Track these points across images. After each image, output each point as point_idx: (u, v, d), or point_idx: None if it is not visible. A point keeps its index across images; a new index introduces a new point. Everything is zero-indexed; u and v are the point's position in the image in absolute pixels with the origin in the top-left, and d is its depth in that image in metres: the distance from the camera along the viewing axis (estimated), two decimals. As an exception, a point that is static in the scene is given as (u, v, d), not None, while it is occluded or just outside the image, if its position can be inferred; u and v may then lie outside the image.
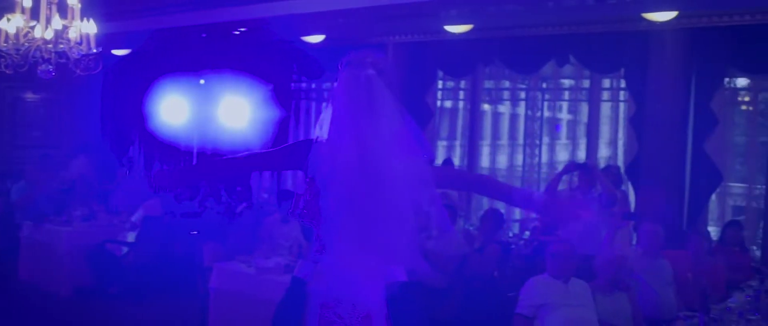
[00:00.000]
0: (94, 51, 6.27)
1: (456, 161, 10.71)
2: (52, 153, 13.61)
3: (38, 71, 6.11)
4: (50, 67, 6.14)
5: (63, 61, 6.21)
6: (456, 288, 7.17)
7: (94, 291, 8.81)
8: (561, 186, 7.74)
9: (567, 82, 10.60)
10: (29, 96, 14.96)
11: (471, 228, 8.68)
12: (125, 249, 8.86)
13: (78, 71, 6.28)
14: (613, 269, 5.71)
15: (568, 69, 9.94)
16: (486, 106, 11.07)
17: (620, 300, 5.69)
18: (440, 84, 11.04)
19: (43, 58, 6.07)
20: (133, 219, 8.93)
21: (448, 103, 11.25)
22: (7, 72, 6.03)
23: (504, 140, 11.27)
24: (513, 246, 8.22)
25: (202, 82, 12.77)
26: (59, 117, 15.23)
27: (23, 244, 9.47)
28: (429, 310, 6.76)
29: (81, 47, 6.25)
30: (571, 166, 7.73)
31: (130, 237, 8.91)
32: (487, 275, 7.49)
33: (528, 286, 5.40)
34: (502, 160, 11.04)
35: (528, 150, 10.52)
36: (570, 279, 5.41)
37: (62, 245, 8.85)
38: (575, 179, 7.67)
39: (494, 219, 7.70)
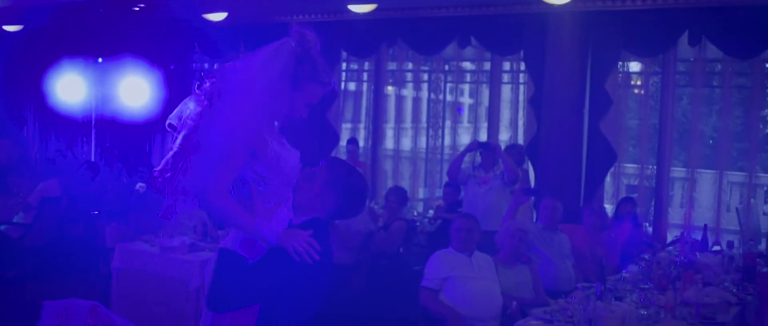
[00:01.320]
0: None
1: (361, 143, 10.79)
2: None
3: None
4: None
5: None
6: (363, 264, 7.27)
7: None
8: (464, 165, 7.92)
9: (468, 65, 10.82)
10: None
11: (376, 206, 8.78)
12: (20, 232, 8.56)
13: None
14: (515, 243, 5.88)
15: (469, 51, 10.13)
16: (390, 89, 11.18)
17: (522, 273, 5.87)
18: (344, 65, 11.09)
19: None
20: (30, 200, 8.64)
21: (352, 85, 11.31)
22: None
23: (407, 123, 11.43)
24: (418, 224, 8.36)
25: (100, 60, 12.41)
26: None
27: None
28: (336, 286, 6.89)
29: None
30: (474, 145, 7.90)
31: (26, 218, 8.61)
32: (393, 251, 7.62)
33: (433, 260, 5.51)
34: (406, 143, 11.20)
35: (431, 132, 10.69)
36: (473, 252, 5.54)
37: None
38: (478, 158, 7.85)
39: (398, 197, 7.81)
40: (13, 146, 11.44)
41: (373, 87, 10.86)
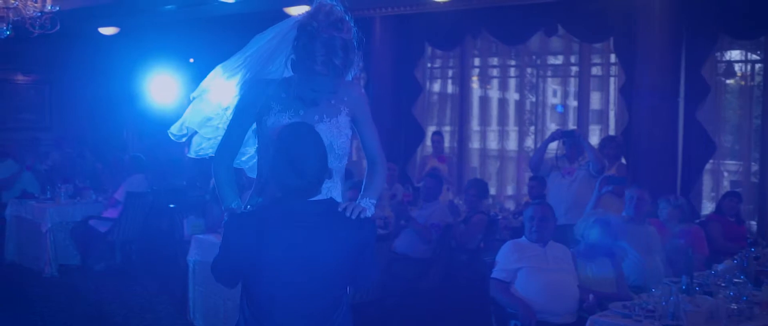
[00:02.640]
0: (49, 9, 6.09)
1: (446, 138, 10.56)
2: (41, 135, 13.50)
3: None
4: (3, 25, 5.97)
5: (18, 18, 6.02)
6: (440, 258, 7.05)
7: (80, 268, 8.69)
8: (547, 155, 7.57)
9: (552, 59, 10.41)
10: (19, 78, 14.85)
11: (457, 200, 8.52)
12: (108, 226, 8.72)
13: (34, 31, 6.10)
14: (597, 235, 5.54)
15: (556, 42, 9.77)
16: (475, 84, 10.86)
17: (604, 266, 5.49)
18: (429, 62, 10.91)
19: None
20: (116, 195, 8.79)
21: (437, 80, 11.09)
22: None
23: (494, 118, 11.05)
24: (500, 218, 8.06)
25: (191, 60, 12.65)
26: (49, 100, 15.13)
27: (8, 221, 9.35)
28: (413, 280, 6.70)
29: (36, 5, 6.06)
30: (557, 134, 7.55)
31: (113, 213, 8.77)
32: (473, 246, 7.37)
33: (504, 250, 5.22)
34: (493, 139, 10.87)
35: (519, 128, 10.38)
36: (548, 242, 5.24)
37: (46, 222, 8.72)
38: (562, 148, 7.49)
39: (478, 189, 7.55)
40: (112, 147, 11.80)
41: (458, 81, 10.61)
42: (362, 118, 3.24)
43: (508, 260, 5.14)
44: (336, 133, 3.11)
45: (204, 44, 12.13)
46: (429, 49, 10.67)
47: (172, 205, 8.33)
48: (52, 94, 15.12)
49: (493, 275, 5.16)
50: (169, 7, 10.38)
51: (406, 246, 7.03)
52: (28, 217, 9.05)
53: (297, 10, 9.76)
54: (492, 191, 10.33)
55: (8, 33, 6.06)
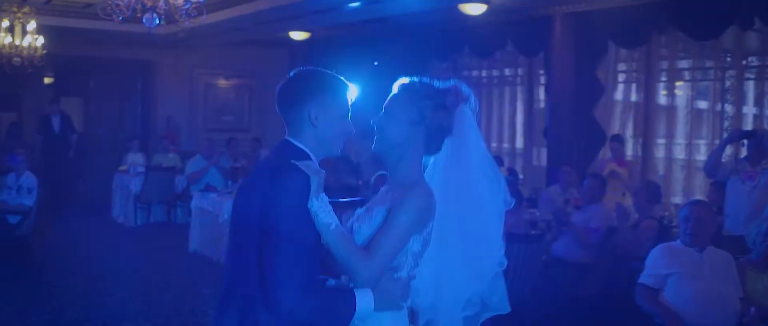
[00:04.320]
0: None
1: (629, 143, 9.92)
2: (240, 136, 14.20)
3: (143, 19, 6.23)
4: (154, 14, 6.22)
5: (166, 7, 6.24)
6: (601, 263, 6.58)
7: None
8: (724, 159, 6.85)
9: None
10: (222, 82, 15.80)
11: (628, 204, 7.95)
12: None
13: (185, 21, 6.33)
14: (771, 244, 4.91)
15: (753, 38, 8.88)
16: (662, 87, 10.09)
17: (779, 280, 4.88)
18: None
19: (145, 5, 6.17)
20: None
21: (620, 82, 10.45)
22: (117, 21, 6.20)
23: (682, 125, 10.17)
24: (674, 225, 7.41)
25: (375, 63, 12.80)
26: (249, 103, 15.95)
27: (193, 213, 9.91)
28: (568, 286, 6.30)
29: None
30: (736, 135, 6.82)
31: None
32: (642, 253, 6.81)
33: (655, 254, 4.74)
34: (680, 147, 10.04)
35: (710, 136, 9.54)
36: (706, 247, 4.69)
37: (223, 213, 9.11)
38: (743, 150, 6.74)
39: (649, 193, 6.99)
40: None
41: (643, 83, 9.93)
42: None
43: (658, 264, 4.66)
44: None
45: (386, 48, 12.28)
46: (612, 49, 10.06)
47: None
48: (251, 97, 15.95)
49: (640, 280, 4.70)
50: (355, 4, 10.49)
51: (563, 249, 6.64)
52: (209, 209, 9.52)
53: (471, 7, 9.60)
54: (677, 200, 9.60)
55: (159, 22, 6.33)
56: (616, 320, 6.10)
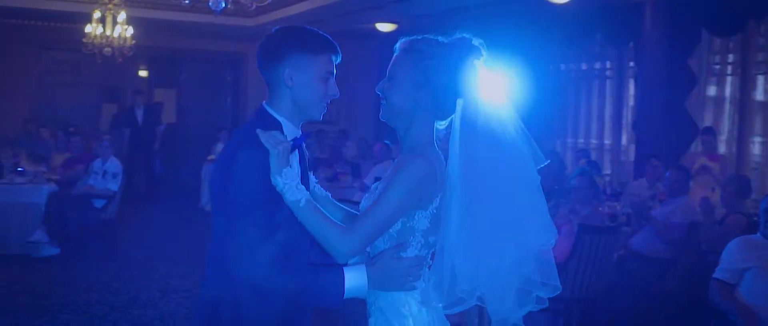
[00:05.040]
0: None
1: (723, 137, 9.44)
2: (327, 128, 14.27)
3: (209, 3, 6.25)
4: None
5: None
6: (682, 260, 6.27)
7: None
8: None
9: None
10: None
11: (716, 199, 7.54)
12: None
13: (253, 6, 6.33)
14: None
15: None
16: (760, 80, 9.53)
17: None
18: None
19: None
20: (365, 180, 9.06)
21: (715, 73, 9.93)
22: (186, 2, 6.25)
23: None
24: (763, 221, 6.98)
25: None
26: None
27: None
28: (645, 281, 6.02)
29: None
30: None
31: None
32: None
33: (731, 247, 4.43)
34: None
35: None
36: (789, 241, 4.38)
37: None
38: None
39: (738, 187, 6.62)
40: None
41: (739, 73, 9.42)
42: None
43: (734, 258, 4.37)
44: None
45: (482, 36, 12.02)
46: (706, 37, 9.58)
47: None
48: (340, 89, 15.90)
49: (715, 275, 4.42)
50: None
51: (641, 243, 6.36)
52: (293, 199, 9.65)
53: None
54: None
55: (225, 5, 6.35)
56: (692, 317, 5.80)
